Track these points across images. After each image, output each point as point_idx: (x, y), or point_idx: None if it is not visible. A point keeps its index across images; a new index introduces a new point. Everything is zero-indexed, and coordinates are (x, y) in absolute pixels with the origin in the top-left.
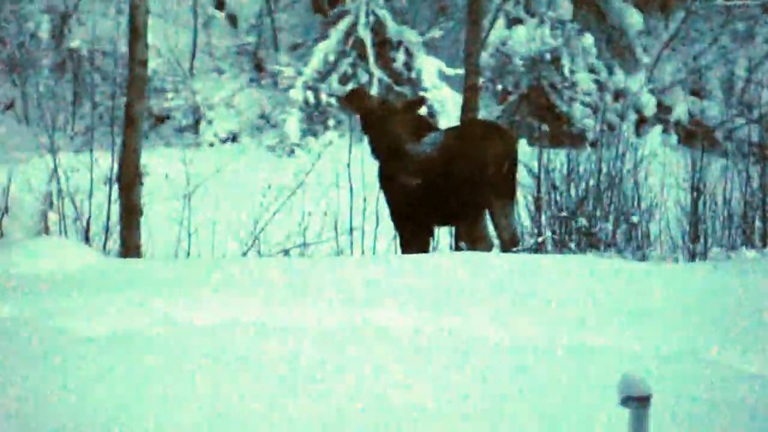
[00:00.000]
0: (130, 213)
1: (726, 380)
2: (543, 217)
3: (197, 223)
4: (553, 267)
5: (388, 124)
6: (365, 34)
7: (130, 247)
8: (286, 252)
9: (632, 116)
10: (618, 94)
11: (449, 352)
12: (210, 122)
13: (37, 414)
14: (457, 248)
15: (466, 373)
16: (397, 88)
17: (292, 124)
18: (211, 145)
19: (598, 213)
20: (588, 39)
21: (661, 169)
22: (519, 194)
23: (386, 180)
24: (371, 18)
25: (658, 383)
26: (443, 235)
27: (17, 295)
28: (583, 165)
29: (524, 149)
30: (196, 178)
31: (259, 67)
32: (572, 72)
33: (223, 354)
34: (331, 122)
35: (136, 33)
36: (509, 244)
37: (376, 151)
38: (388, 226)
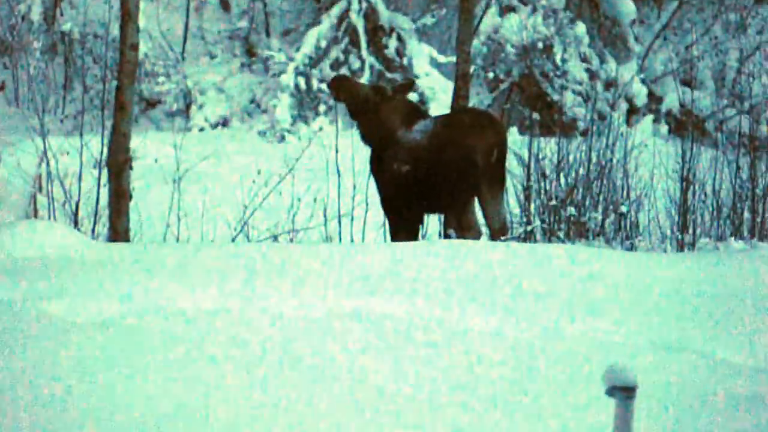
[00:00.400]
0: (119, 197)
1: (713, 371)
2: (532, 206)
3: (187, 207)
4: (542, 256)
5: (380, 110)
6: (358, 21)
7: (118, 232)
8: (275, 238)
9: (623, 106)
10: (609, 84)
11: (437, 341)
12: (201, 107)
13: (20, 398)
14: (446, 236)
15: (455, 363)
16: (388, 75)
17: (283, 109)
18: (202, 129)
19: (587, 202)
20: (580, 28)
21: (651, 159)
22: (508, 182)
23: (377, 166)
24: (364, 4)
25: (646, 374)
26: (432, 222)
27: (4, 278)
28: (573, 154)
29: (515, 137)
30: (186, 162)
31: (250, 52)
32: (564, 61)
33: (212, 341)
34: (321, 108)
35: (128, 16)
36: (499, 232)
37: (367, 137)
38: (377, 212)
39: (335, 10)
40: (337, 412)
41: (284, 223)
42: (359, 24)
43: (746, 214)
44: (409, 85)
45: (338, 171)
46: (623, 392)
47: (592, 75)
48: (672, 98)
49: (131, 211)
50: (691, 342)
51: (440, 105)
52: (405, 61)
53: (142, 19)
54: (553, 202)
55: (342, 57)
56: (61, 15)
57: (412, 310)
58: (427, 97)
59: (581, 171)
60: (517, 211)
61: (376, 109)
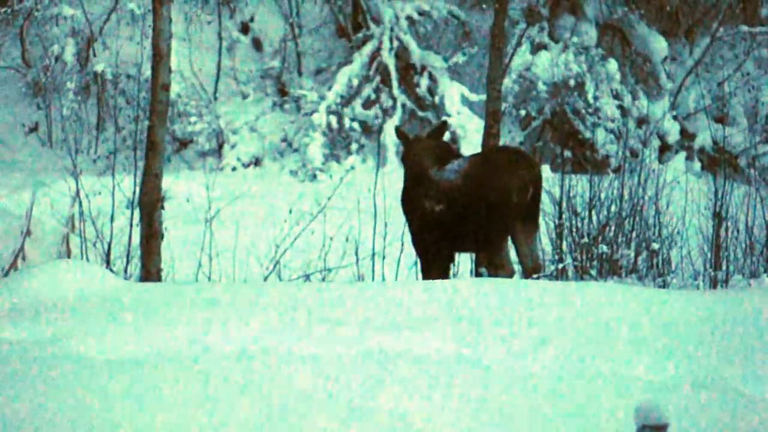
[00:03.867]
0: (151, 237)
1: (746, 408)
2: (564, 244)
3: (219, 247)
4: (574, 294)
5: (412, 149)
6: (389, 59)
7: (150, 271)
8: (307, 277)
9: (655, 142)
10: (641, 120)
11: (468, 379)
12: (233, 146)
13: None
14: (478, 274)
15: (485, 401)
16: (420, 114)
17: (315, 148)
18: (234, 169)
19: (619, 240)
20: (612, 65)
21: (683, 195)
22: (540, 220)
23: (409, 205)
24: (395, 43)
25: (677, 412)
26: (463, 260)
27: (38, 318)
28: (605, 191)
29: (547, 175)
30: (218, 202)
31: (282, 92)
32: (596, 98)
33: (245, 380)
34: (353, 147)
35: (159, 57)
36: (531, 271)
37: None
38: (410, 251)
39: (367, 49)
40: None
41: (316, 262)
42: (391, 63)
43: None
44: (442, 126)
45: (375, 207)
46: (654, 431)
47: (624, 112)
48: (704, 135)
49: (163, 250)
50: (723, 379)
51: (472, 143)
52: (436, 99)
53: (175, 60)
54: (585, 240)
55: (374, 96)
56: (94, 56)
57: (444, 349)
58: (458, 136)
59: (613, 208)
60: (549, 248)
61: (409, 149)
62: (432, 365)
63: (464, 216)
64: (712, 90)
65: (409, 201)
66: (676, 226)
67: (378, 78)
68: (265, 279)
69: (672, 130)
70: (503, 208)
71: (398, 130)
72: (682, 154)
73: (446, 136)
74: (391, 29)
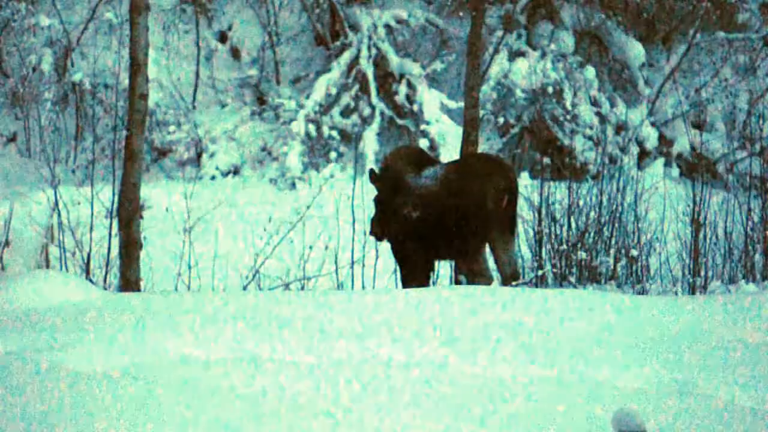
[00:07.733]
0: (130, 247)
1: (720, 414)
2: (543, 251)
3: (198, 256)
4: (553, 301)
5: (388, 158)
6: (367, 67)
7: (129, 281)
8: (287, 286)
9: (634, 149)
10: (620, 127)
11: (448, 388)
12: (212, 155)
13: None
14: (457, 282)
15: (465, 409)
16: (399, 121)
17: (294, 157)
18: (213, 178)
19: (598, 246)
20: (590, 72)
21: (662, 202)
22: (519, 227)
23: (388, 213)
24: (373, 51)
25: (655, 418)
26: (443, 268)
27: (16, 329)
28: (584, 198)
29: (526, 182)
30: (197, 211)
31: (261, 100)
32: (574, 105)
33: (225, 390)
34: (332, 155)
35: (136, 67)
36: (510, 278)
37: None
38: (389, 259)
39: (345, 57)
40: None
41: (295, 270)
42: (369, 71)
43: (758, 257)
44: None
45: (354, 215)
46: None
47: (603, 119)
48: (683, 141)
49: (142, 260)
50: (698, 385)
51: (450, 150)
52: (415, 107)
53: (153, 69)
54: (564, 247)
55: (352, 104)
56: (72, 65)
57: (421, 357)
58: (437, 143)
59: (592, 215)
60: (528, 255)
61: (385, 158)
62: (414, 373)
63: (441, 223)
64: (690, 96)
65: (387, 209)
66: (655, 232)
67: (356, 86)
68: (245, 288)
69: (650, 137)
70: (479, 215)
71: (372, 174)
72: (661, 161)
73: (424, 144)
74: (369, 37)
